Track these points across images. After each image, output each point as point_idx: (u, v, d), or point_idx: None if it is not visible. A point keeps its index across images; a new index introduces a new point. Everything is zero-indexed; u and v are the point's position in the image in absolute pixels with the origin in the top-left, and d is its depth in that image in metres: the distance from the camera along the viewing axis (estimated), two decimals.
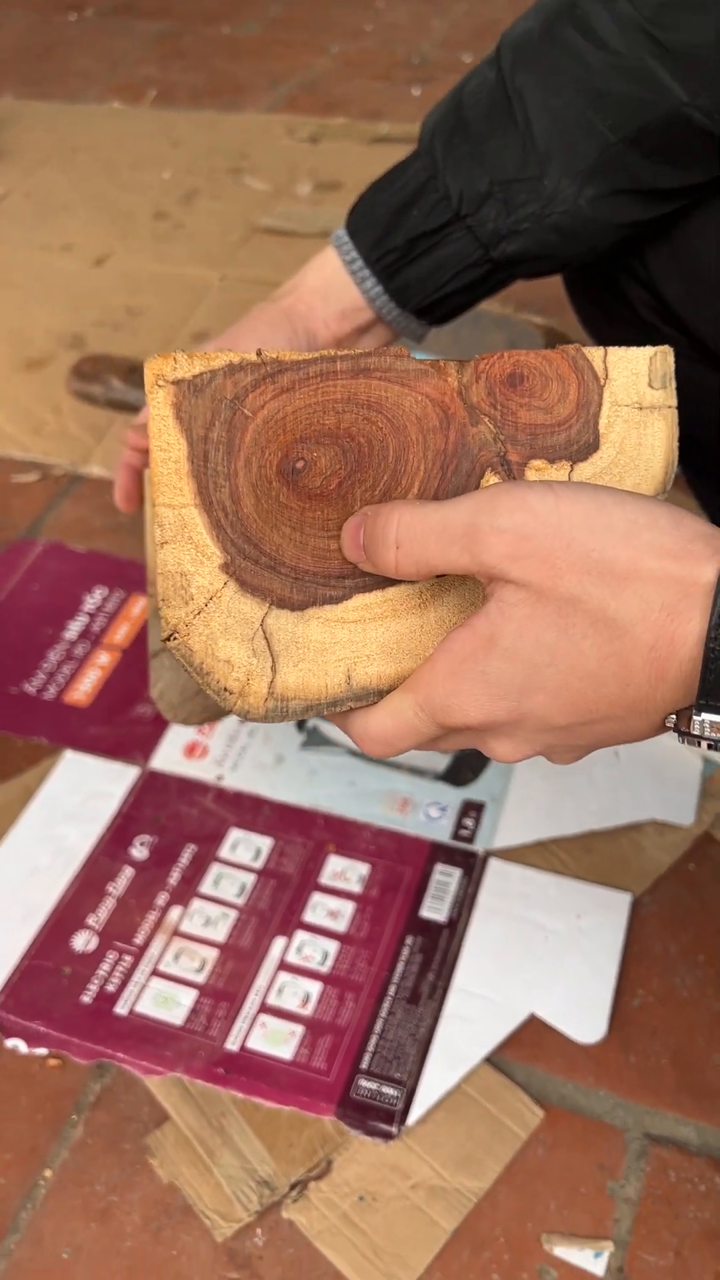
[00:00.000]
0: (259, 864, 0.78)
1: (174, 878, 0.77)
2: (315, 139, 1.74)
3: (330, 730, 0.86)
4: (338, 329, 0.69)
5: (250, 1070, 0.67)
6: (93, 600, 0.99)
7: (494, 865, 0.77)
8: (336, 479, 0.42)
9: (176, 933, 0.74)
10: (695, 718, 0.36)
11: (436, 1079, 0.66)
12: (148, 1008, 0.70)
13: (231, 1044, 0.68)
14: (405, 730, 0.41)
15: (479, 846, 0.78)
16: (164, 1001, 0.70)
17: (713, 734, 0.36)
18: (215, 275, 1.42)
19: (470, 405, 0.42)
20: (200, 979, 0.71)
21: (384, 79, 1.93)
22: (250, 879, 0.77)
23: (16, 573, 1.02)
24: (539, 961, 0.71)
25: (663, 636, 0.36)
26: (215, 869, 0.77)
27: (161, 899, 0.76)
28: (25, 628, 0.97)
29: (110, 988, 0.71)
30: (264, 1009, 0.70)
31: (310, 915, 0.74)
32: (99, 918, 0.75)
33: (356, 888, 0.76)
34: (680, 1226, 0.61)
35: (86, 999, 0.71)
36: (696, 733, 0.37)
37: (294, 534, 0.41)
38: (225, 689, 0.41)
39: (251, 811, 0.81)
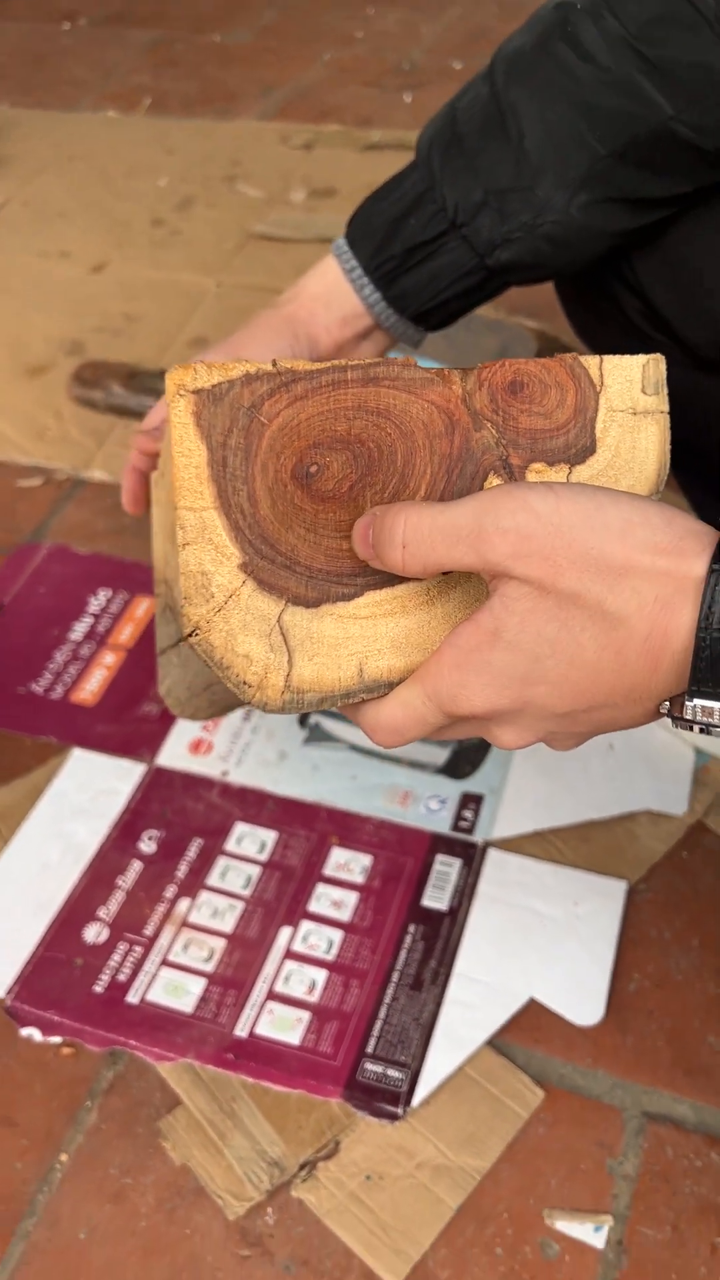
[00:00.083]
0: (264, 856, 0.80)
1: (182, 871, 0.79)
2: (309, 146, 1.76)
3: (331, 726, 0.88)
4: (338, 334, 0.71)
5: (259, 1055, 0.69)
6: (97, 602, 1.01)
7: (493, 855, 0.79)
8: (348, 482, 0.44)
9: (185, 924, 0.76)
10: (687, 703, 0.39)
11: (440, 1062, 0.68)
12: (158, 996, 0.72)
13: (240, 1030, 0.70)
14: (414, 720, 0.44)
15: (478, 837, 0.80)
16: (174, 990, 0.73)
17: (704, 719, 0.39)
18: (211, 282, 1.44)
19: (474, 411, 0.45)
20: (209, 968, 0.74)
21: (375, 86, 1.96)
22: (256, 871, 0.79)
23: (22, 575, 1.04)
24: (538, 948, 0.74)
25: (656, 628, 0.39)
26: (222, 862, 0.80)
27: (170, 891, 0.78)
28: (32, 629, 0.99)
29: (121, 977, 0.73)
30: (271, 996, 0.72)
31: (315, 905, 0.77)
32: (109, 910, 0.77)
33: (359, 878, 0.78)
34: (677, 1201, 0.64)
35: (98, 988, 0.73)
36: (689, 718, 0.39)
37: (308, 535, 0.44)
38: (244, 682, 0.43)
39: (256, 806, 0.83)
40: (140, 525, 1.09)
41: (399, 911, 0.76)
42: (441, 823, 0.81)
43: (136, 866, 0.80)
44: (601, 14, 0.60)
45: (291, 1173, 0.65)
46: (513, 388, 0.45)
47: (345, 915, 0.76)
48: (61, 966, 0.74)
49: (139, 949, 0.75)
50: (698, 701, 0.39)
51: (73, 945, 0.75)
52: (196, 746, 0.87)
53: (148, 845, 0.81)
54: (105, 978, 0.73)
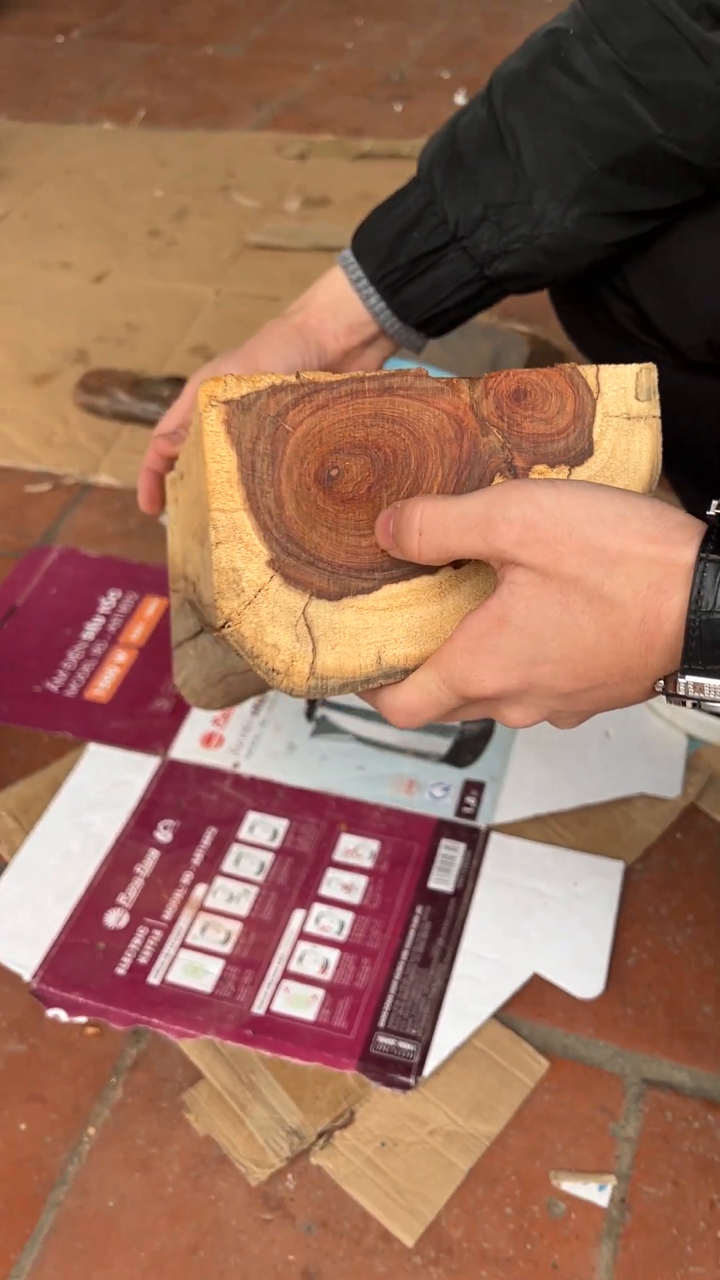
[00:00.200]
0: (276, 844, 0.83)
1: (197, 858, 0.83)
2: (303, 156, 1.80)
3: (338, 719, 0.92)
4: (345, 341, 0.74)
5: (276, 1031, 0.73)
6: (108, 602, 1.04)
7: (495, 839, 0.83)
8: (366, 484, 0.48)
9: (202, 908, 0.79)
10: (680, 680, 0.43)
11: (449, 1034, 0.72)
12: (178, 977, 0.76)
13: (258, 1008, 0.74)
14: (430, 702, 0.47)
15: (481, 822, 0.84)
16: (193, 971, 0.76)
17: (696, 694, 0.43)
18: (210, 291, 1.48)
19: (481, 418, 0.48)
20: (226, 950, 0.77)
21: (365, 96, 2.00)
22: (268, 857, 0.82)
23: (34, 578, 1.07)
24: (540, 925, 0.77)
25: (650, 611, 0.42)
26: (235, 849, 0.83)
27: (186, 878, 0.81)
28: (45, 630, 1.02)
29: (143, 960, 0.77)
30: (287, 975, 0.75)
31: (326, 889, 0.80)
32: (129, 896, 0.80)
33: (368, 863, 0.81)
34: (677, 1160, 0.67)
35: (120, 971, 0.76)
36: (682, 694, 0.43)
37: (330, 533, 0.47)
38: (273, 669, 0.47)
39: (267, 795, 0.87)
40: (147, 528, 1.12)
41: (407, 893, 0.79)
42: (445, 809, 0.85)
43: (154, 855, 0.83)
44: (593, 39, 0.63)
45: (310, 1141, 0.68)
46: (516, 395, 0.49)
47: (355, 898, 0.79)
48: (85, 950, 0.77)
49: (159, 933, 0.78)
50: (690, 679, 0.42)
51: (95, 930, 0.79)
52: (208, 740, 0.91)
53: (164, 834, 0.84)
54: (127, 960, 0.77)
